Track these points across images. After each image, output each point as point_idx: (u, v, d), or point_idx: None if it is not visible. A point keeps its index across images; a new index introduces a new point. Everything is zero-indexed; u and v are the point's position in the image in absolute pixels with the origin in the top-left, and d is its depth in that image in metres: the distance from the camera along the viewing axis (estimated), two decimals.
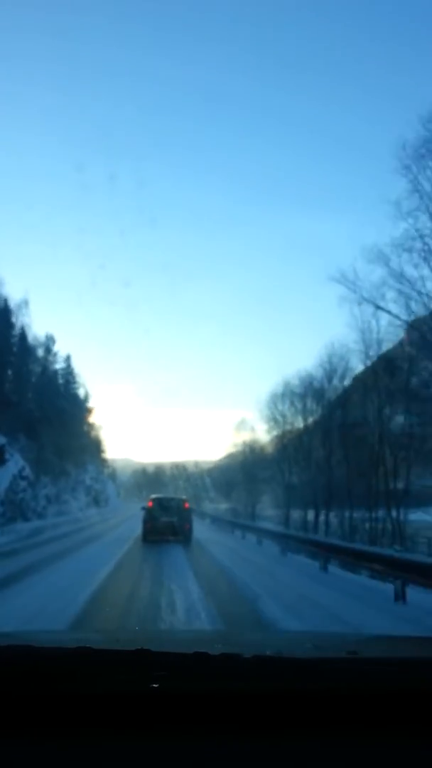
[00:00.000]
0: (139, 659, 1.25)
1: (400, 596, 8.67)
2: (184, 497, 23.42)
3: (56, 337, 54.08)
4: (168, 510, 20.25)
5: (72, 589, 8.90)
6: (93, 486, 71.20)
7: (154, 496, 22.57)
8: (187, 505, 21.31)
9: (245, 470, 55.79)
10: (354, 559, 11.56)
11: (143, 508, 21.04)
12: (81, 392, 69.50)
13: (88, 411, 74.71)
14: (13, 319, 43.69)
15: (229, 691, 1.24)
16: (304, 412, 43.98)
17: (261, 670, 1.27)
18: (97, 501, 69.11)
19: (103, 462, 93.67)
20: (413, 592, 8.66)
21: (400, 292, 23.79)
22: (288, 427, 45.54)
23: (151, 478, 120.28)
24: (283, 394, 44.78)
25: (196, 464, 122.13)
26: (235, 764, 1.11)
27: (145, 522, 19.97)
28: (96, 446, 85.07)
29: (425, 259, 22.40)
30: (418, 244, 22.27)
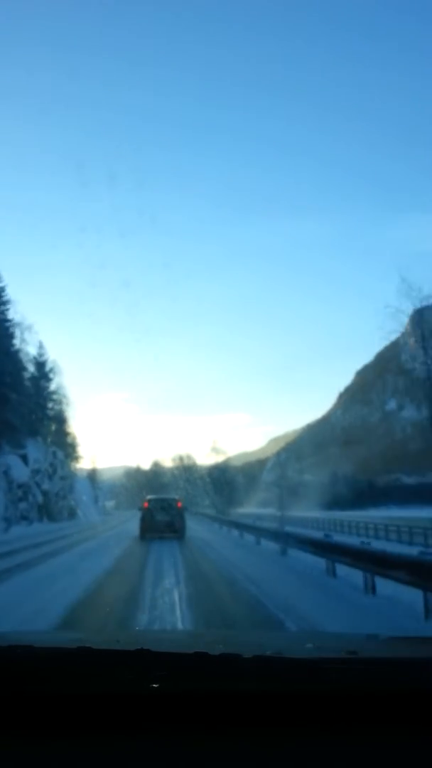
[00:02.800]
0: (139, 659, 1.25)
1: None
2: (177, 497, 25.72)
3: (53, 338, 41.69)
4: (163, 509, 22.08)
5: None
6: (34, 482, 40.84)
7: (149, 497, 24.61)
8: (179, 504, 23.10)
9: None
10: None
11: (140, 509, 23.16)
12: (30, 345, 46.05)
13: (43, 373, 50.53)
14: None
15: (229, 691, 1.24)
16: None
17: (261, 670, 1.26)
18: (48, 510, 42.57)
19: (71, 450, 59.97)
20: None
21: None
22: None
23: (150, 479, 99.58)
24: None
25: (217, 452, 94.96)
26: (235, 764, 1.11)
27: (143, 520, 21.74)
28: (56, 421, 54.11)
29: None
30: None
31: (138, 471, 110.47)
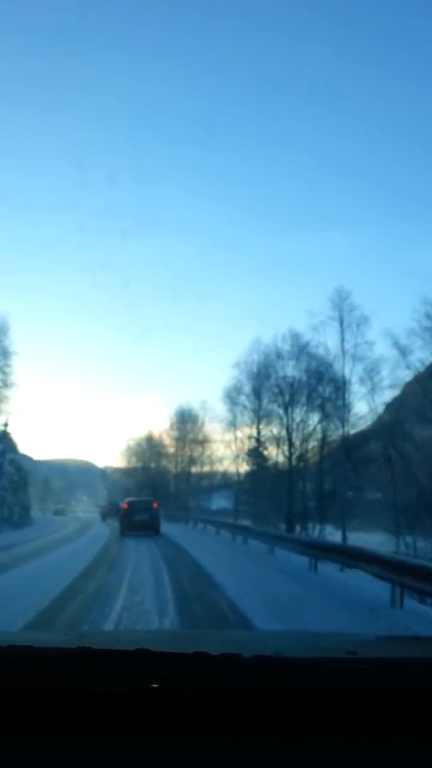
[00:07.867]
0: (139, 659, 1.25)
1: None
2: (152, 498, 28.64)
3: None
4: (140, 510, 24.65)
5: None
6: None
7: (128, 499, 28.16)
8: (155, 505, 25.81)
9: None
10: None
11: (119, 510, 27.12)
12: None
13: None
14: None
15: (229, 691, 1.23)
16: None
17: (261, 670, 1.26)
18: None
19: None
20: None
21: None
22: None
23: (153, 482, 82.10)
24: None
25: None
26: (235, 764, 1.11)
27: (122, 520, 24.45)
28: None
29: None
30: None
31: (145, 476, 76.58)
